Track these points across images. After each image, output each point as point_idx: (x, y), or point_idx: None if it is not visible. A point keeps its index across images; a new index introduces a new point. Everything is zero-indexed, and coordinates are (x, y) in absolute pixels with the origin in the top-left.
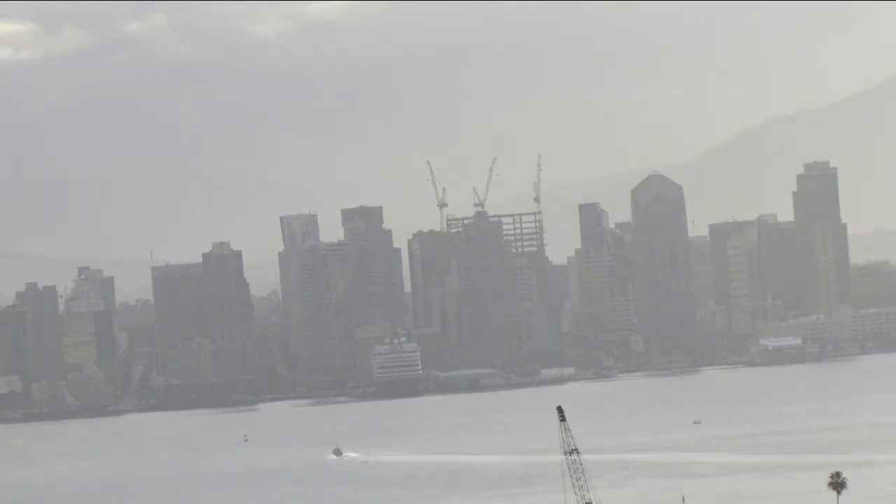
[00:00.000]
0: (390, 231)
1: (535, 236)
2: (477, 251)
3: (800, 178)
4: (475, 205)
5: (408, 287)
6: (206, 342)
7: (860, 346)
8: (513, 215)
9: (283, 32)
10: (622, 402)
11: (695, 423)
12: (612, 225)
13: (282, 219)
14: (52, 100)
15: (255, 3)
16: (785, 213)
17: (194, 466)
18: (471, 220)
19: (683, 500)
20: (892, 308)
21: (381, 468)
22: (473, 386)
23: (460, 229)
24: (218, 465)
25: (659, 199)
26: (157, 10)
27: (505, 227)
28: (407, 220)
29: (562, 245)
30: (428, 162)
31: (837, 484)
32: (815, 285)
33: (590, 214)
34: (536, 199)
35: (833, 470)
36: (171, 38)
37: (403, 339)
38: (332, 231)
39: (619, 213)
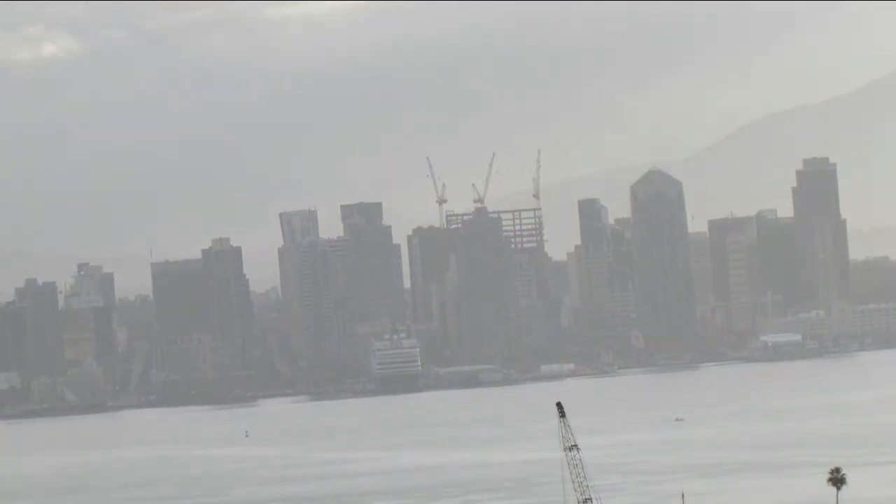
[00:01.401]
0: (390, 227)
1: (534, 232)
2: (476, 247)
3: (799, 173)
4: (474, 201)
5: (407, 283)
6: (206, 338)
7: (860, 342)
8: (512, 211)
9: (284, 32)
10: (610, 399)
11: (676, 420)
12: (611, 221)
13: (281, 215)
14: (52, 98)
15: (257, 3)
16: (784, 208)
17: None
18: (470, 217)
19: (683, 496)
20: (892, 304)
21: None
22: (473, 382)
23: (460, 225)
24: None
25: (658, 194)
26: (162, 9)
27: (504, 223)
28: (406, 216)
29: (561, 241)
30: (427, 158)
31: (837, 480)
32: (815, 281)
33: (589, 210)
34: (536, 195)
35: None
36: (172, 37)
37: (403, 334)
38: (331, 227)
39: (618, 208)
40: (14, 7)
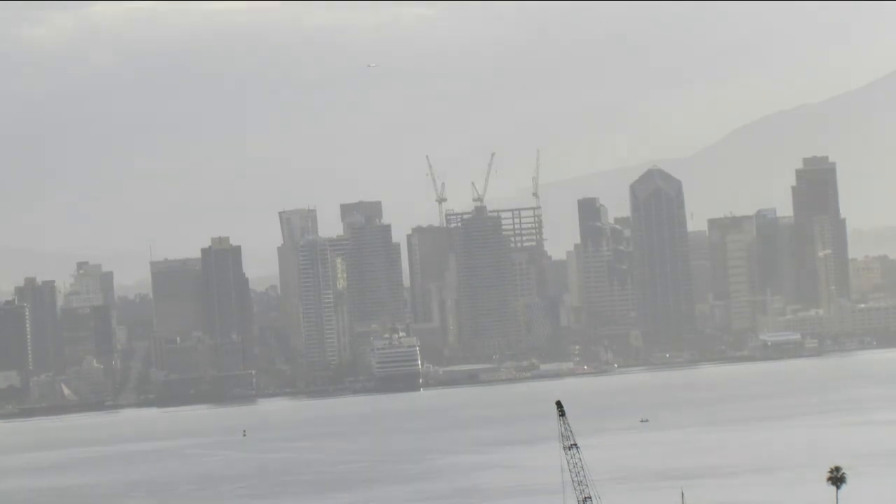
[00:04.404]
0: (389, 226)
1: (533, 231)
2: (476, 246)
3: (799, 172)
4: (474, 200)
5: (407, 282)
6: (205, 337)
7: (859, 340)
8: (512, 210)
9: (285, 31)
10: (587, 399)
11: (641, 421)
12: (610, 220)
13: (280, 213)
14: (51, 92)
15: (260, 2)
16: (784, 207)
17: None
18: (470, 215)
19: (682, 495)
20: (892, 302)
21: None
22: (472, 380)
23: (459, 224)
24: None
25: (658, 193)
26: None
27: (504, 221)
28: (406, 214)
29: (561, 240)
30: (427, 157)
31: (837, 479)
32: (815, 280)
33: (588, 209)
34: (535, 194)
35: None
36: (168, 32)
37: (402, 333)
38: (331, 226)
39: (617, 207)
40: None
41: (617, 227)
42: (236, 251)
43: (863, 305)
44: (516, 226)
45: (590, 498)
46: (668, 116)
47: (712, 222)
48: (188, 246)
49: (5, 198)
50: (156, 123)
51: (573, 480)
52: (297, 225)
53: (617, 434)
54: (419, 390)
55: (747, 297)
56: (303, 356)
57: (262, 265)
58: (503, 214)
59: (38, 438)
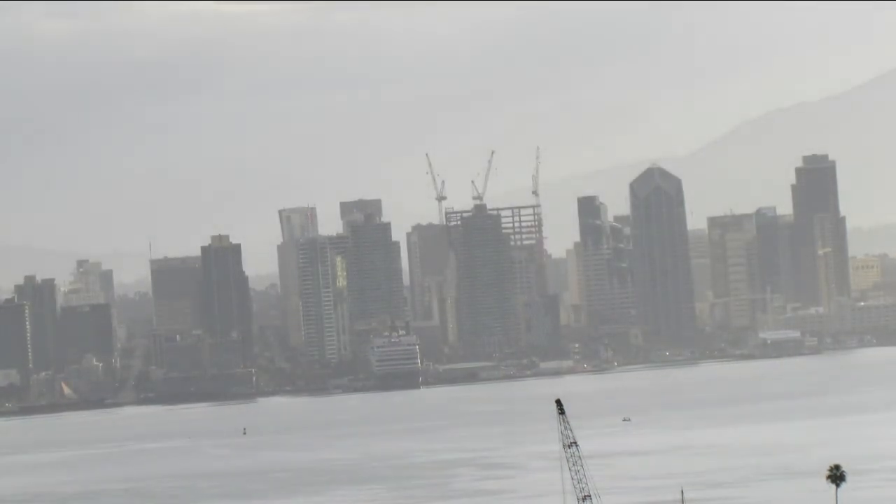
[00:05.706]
0: (389, 224)
1: (533, 229)
2: (475, 244)
3: (798, 170)
4: (474, 198)
5: (406, 280)
6: (205, 335)
7: (859, 338)
8: (511, 208)
9: (285, 32)
10: (573, 399)
11: (624, 420)
12: (610, 218)
13: (280, 212)
14: (50, 89)
15: (260, 3)
16: (784, 205)
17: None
18: (469, 213)
19: (682, 492)
20: (891, 300)
21: None
22: (472, 378)
23: (459, 222)
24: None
25: (658, 191)
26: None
27: (504, 220)
28: (405, 212)
29: (560, 238)
30: (426, 155)
31: (836, 477)
32: (814, 278)
33: (588, 207)
34: (535, 192)
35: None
36: (164, 30)
37: (402, 331)
38: (330, 224)
39: (617, 206)
40: None
41: (617, 225)
42: (236, 249)
43: (862, 303)
44: (516, 224)
45: (589, 496)
46: (668, 114)
47: (712, 220)
48: (188, 244)
49: (5, 195)
50: (156, 122)
51: (573, 479)
52: (296, 223)
53: (599, 435)
54: (419, 388)
55: (747, 295)
56: (302, 354)
57: (261, 263)
58: (503, 213)
59: (38, 437)
